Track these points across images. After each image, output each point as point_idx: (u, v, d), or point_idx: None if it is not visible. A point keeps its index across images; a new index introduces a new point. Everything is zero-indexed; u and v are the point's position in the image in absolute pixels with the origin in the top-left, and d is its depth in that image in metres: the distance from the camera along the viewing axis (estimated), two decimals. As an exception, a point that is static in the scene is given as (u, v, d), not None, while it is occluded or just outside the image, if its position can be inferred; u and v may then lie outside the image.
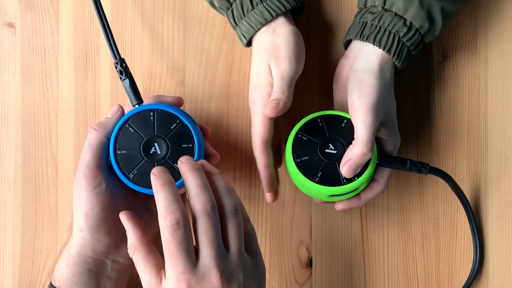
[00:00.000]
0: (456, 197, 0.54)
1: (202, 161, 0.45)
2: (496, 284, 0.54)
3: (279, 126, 0.52)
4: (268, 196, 0.50)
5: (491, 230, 0.55)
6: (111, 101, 0.55)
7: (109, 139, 0.46)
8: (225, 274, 0.40)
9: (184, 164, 0.43)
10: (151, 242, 0.43)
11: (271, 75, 0.49)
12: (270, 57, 0.48)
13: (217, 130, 0.54)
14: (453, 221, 0.55)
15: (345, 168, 0.46)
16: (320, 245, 0.54)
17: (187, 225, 0.40)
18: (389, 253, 0.54)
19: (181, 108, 0.49)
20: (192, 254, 0.40)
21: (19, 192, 0.54)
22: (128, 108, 0.48)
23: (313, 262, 0.54)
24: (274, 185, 0.51)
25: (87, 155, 0.45)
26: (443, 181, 0.52)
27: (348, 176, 0.47)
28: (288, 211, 0.54)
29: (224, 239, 0.41)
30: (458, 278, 0.54)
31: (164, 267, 0.41)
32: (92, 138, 0.45)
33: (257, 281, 0.42)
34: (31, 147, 0.55)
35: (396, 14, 0.48)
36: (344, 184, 0.47)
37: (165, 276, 0.40)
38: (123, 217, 0.44)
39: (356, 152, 0.45)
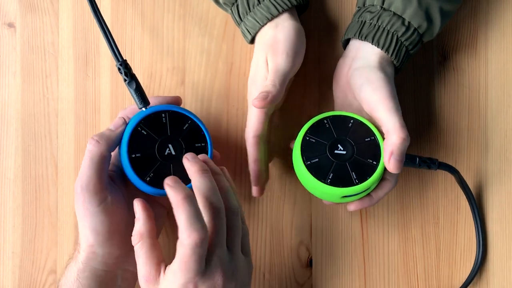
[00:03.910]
0: (456, 198, 0.54)
1: (206, 158, 0.45)
2: (496, 283, 0.54)
3: (276, 124, 0.52)
4: (254, 190, 0.50)
5: (491, 230, 0.55)
6: (111, 101, 0.55)
7: (110, 152, 0.44)
8: (227, 274, 0.41)
9: (192, 164, 0.43)
10: (156, 236, 0.44)
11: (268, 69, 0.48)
12: (268, 50, 0.48)
13: (217, 130, 0.54)
14: (453, 221, 0.55)
15: (392, 163, 0.44)
16: (320, 245, 0.54)
17: (207, 242, 0.40)
18: (389, 253, 0.54)
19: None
20: (204, 263, 0.40)
21: (19, 192, 0.54)
22: (131, 109, 0.47)
23: (313, 262, 0.54)
24: (262, 180, 0.50)
25: (89, 170, 0.43)
26: (443, 181, 0.52)
27: (396, 171, 0.45)
28: (288, 211, 0.54)
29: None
30: (458, 278, 0.54)
31: (163, 261, 0.42)
32: (93, 150, 0.43)
33: (247, 280, 0.44)
34: (31, 147, 0.55)
35: (394, 14, 0.48)
36: (357, 184, 0.46)
37: (164, 271, 0.41)
38: (139, 205, 0.43)
39: (395, 142, 0.44)
